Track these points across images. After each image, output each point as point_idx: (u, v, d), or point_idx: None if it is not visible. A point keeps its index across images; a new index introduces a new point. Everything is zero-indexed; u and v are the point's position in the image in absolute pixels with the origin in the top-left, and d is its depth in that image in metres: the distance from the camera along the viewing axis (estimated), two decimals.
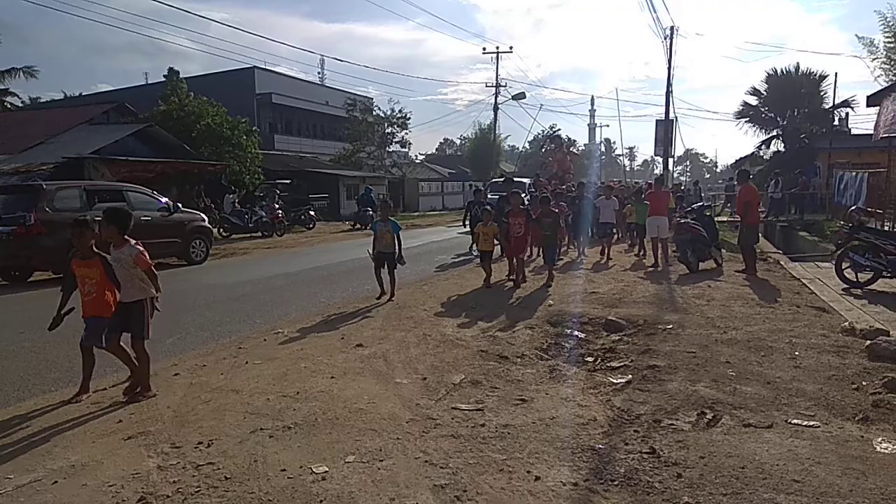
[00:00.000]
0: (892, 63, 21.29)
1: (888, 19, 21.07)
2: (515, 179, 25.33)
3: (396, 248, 8.38)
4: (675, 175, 61.21)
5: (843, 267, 8.84)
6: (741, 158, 37.46)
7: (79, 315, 4.57)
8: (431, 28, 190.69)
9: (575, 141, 26.68)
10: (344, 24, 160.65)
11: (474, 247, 11.61)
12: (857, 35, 22.62)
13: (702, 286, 8.77)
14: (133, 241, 4.51)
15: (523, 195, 19.85)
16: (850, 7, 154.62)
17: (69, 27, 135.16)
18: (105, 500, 3.03)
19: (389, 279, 8.51)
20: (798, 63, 33.95)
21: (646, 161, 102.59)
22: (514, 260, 9.63)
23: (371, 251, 8.59)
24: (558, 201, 12.75)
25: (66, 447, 3.67)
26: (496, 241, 9.85)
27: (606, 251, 12.43)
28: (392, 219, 8.67)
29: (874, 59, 21.84)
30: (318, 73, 58.50)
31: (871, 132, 16.56)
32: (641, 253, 12.96)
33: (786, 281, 9.42)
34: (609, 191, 13.84)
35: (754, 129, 34.18)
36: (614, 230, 13.94)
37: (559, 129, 26.22)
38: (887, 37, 21.29)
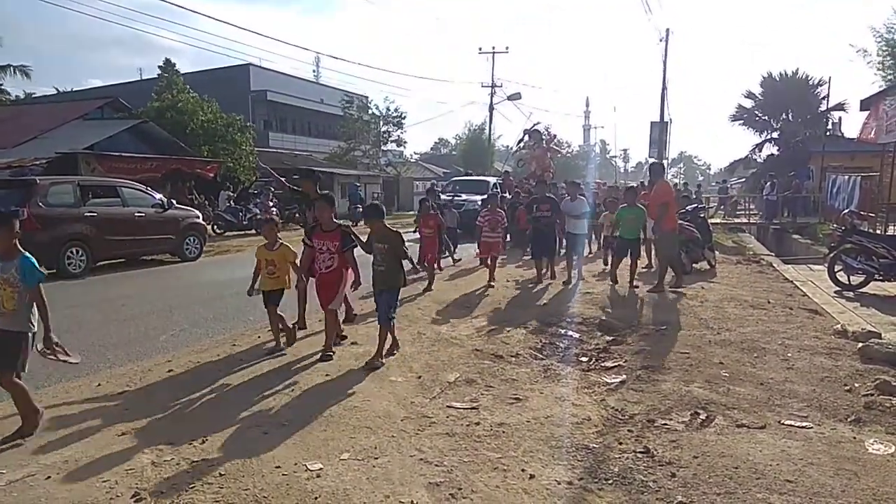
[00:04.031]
0: (888, 67, 21.54)
1: (881, 35, 21.46)
2: (478, 178, 22.74)
3: (35, 322, 3.76)
4: (670, 177, 61.52)
5: (835, 269, 8.92)
6: (735, 161, 37.72)
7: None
8: (427, 27, 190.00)
9: (555, 136, 25.04)
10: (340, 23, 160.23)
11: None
12: (867, 48, 22.76)
13: (695, 287, 8.80)
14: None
15: (479, 197, 15.14)
16: (850, 13, 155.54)
17: (55, 20, 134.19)
18: (99, 495, 3.02)
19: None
20: (798, 68, 34.19)
21: (640, 163, 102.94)
22: (329, 309, 5.56)
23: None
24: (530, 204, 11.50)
25: (59, 443, 3.65)
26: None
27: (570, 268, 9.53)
28: (27, 254, 3.72)
29: (880, 56, 22.18)
30: (314, 70, 58.43)
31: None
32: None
33: (778, 283, 9.48)
34: (575, 188, 10.38)
35: (749, 131, 34.43)
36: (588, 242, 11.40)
37: (538, 124, 24.61)
38: (881, 49, 21.62)
